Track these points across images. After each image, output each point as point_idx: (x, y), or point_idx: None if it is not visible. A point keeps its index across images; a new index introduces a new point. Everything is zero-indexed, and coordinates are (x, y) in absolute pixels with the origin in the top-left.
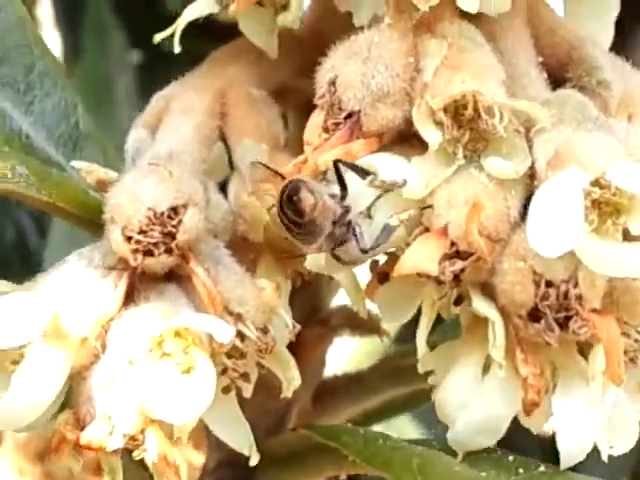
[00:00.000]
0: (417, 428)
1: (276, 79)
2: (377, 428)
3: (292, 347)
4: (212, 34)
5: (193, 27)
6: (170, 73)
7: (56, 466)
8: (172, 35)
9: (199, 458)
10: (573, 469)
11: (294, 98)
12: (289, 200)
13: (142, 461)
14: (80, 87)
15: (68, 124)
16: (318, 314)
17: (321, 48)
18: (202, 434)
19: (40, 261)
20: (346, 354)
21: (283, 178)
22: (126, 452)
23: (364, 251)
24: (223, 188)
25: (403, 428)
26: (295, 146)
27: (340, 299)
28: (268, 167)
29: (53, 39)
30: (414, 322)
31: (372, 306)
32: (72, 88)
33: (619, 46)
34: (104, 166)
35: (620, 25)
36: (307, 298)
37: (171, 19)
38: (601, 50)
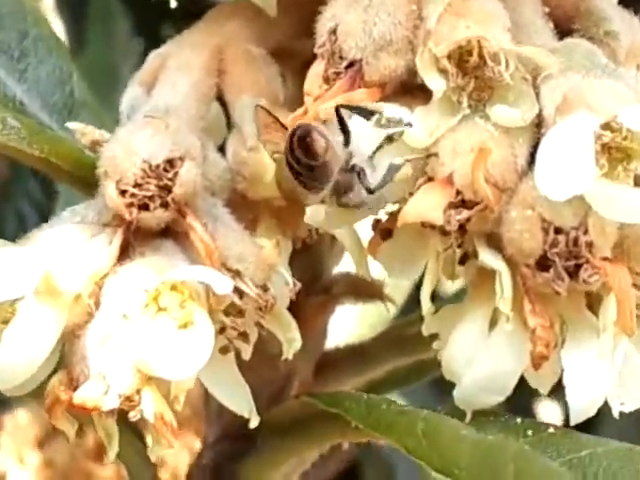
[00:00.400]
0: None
1: (275, 37)
2: None
3: (294, 315)
4: None
5: (193, 9)
6: None
7: (56, 452)
8: (176, 22)
9: (197, 444)
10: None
11: (293, 60)
12: (300, 142)
13: (135, 430)
14: (85, 75)
15: (63, 92)
16: (320, 282)
17: (321, 5)
18: (201, 411)
19: None
20: (349, 326)
21: (285, 129)
22: (120, 418)
23: (370, 191)
24: (221, 150)
25: None
26: (294, 108)
27: (342, 267)
28: (271, 114)
29: (56, 27)
30: (417, 292)
31: (376, 273)
32: (67, 56)
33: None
34: None
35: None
36: (308, 265)
37: (178, 7)
38: (609, 1)
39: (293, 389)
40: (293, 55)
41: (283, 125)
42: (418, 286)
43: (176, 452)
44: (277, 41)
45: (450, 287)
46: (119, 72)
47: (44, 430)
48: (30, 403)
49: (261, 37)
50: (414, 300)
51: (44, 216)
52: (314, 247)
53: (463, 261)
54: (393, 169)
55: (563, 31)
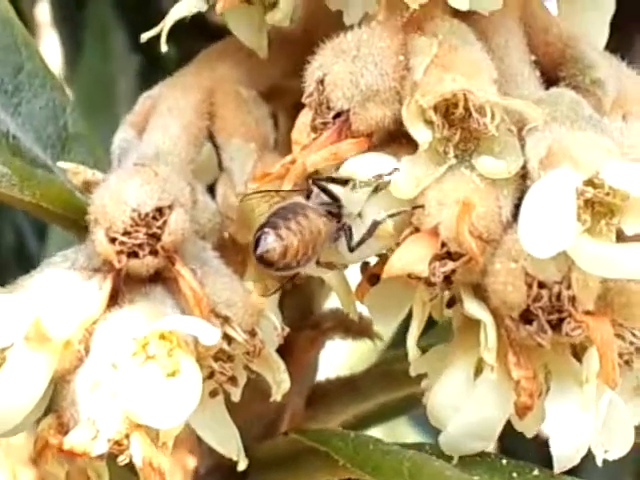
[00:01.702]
0: (418, 432)
1: (266, 79)
2: (376, 432)
3: (284, 351)
4: (213, 35)
5: (193, 28)
6: (172, 75)
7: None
8: (170, 36)
9: (192, 462)
10: (573, 471)
11: (285, 99)
12: (257, 256)
13: (131, 464)
14: (81, 88)
15: (56, 125)
16: (310, 317)
17: (312, 47)
18: (194, 439)
19: (40, 265)
20: (340, 358)
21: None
22: (112, 456)
23: (351, 249)
24: (212, 190)
25: (404, 432)
26: (285, 147)
27: (332, 302)
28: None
29: (52, 39)
30: (408, 326)
31: (365, 309)
32: (62, 89)
33: (615, 48)
34: (93, 168)
35: (616, 27)
36: (298, 301)
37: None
38: (595, 49)
39: (284, 422)
40: (285, 93)
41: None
42: (408, 318)
43: (170, 471)
44: (268, 81)
45: None
46: (116, 86)
47: None
48: None
49: (252, 78)
50: (405, 332)
51: (41, 231)
52: (303, 285)
53: (450, 304)
54: (374, 225)
55: (550, 78)
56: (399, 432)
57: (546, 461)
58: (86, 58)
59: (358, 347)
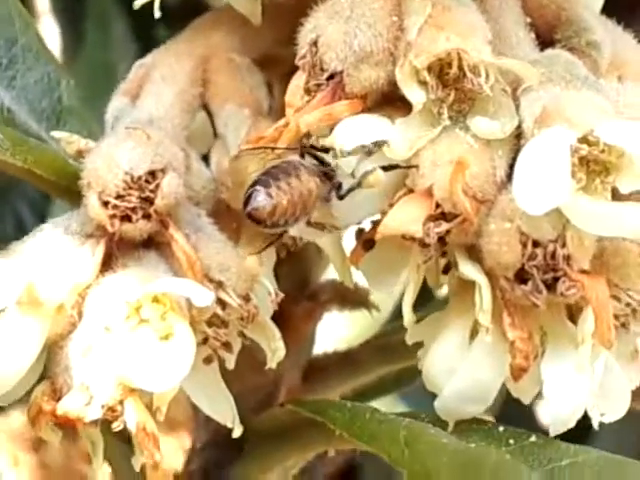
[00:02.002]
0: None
1: (260, 46)
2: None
3: (280, 322)
4: None
5: (192, 13)
6: None
7: (51, 454)
8: (169, 27)
9: (188, 442)
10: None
11: (279, 67)
12: (247, 212)
13: (123, 434)
14: (81, 77)
15: (51, 99)
16: (306, 289)
17: (306, 15)
18: (190, 413)
19: None
20: (338, 332)
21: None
22: (106, 424)
23: (340, 197)
24: (207, 160)
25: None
26: (281, 116)
27: (330, 274)
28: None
29: (52, 28)
30: None
31: (362, 281)
32: (56, 63)
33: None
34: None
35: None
36: (295, 272)
37: (174, 8)
38: (591, 11)
39: (281, 395)
40: (279, 62)
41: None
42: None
43: (171, 452)
44: (262, 49)
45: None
46: (116, 73)
47: None
48: (24, 405)
49: (246, 46)
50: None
51: (42, 217)
52: (300, 255)
53: (446, 270)
54: (365, 174)
55: (545, 41)
56: (388, 409)
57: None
58: (86, 47)
59: (356, 320)
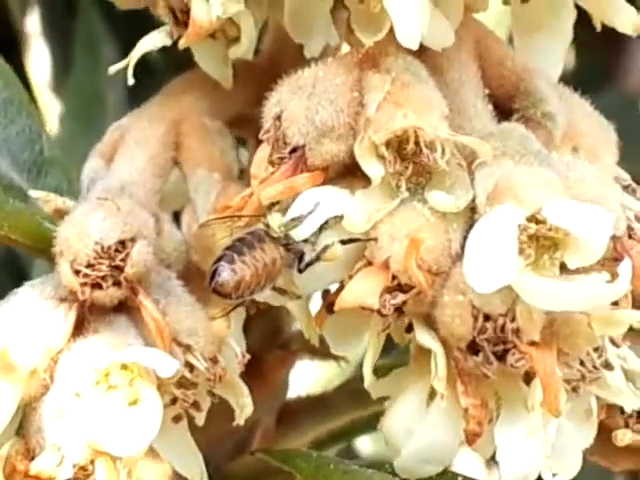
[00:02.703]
0: None
1: (232, 109)
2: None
3: (253, 370)
4: None
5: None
6: (161, 87)
7: None
8: (163, 48)
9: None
10: None
11: (253, 126)
12: (212, 288)
13: None
14: (70, 99)
15: (32, 150)
16: (279, 338)
17: (278, 76)
18: None
19: (30, 276)
20: (312, 376)
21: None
22: None
23: (300, 270)
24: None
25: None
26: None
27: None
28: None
29: (41, 50)
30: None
31: None
32: (37, 116)
33: (614, 54)
34: (68, 191)
35: (615, 34)
36: (267, 322)
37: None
38: (548, 82)
39: (256, 439)
40: (252, 121)
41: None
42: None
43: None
44: (234, 111)
45: None
46: (105, 98)
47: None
48: None
49: (218, 109)
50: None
51: None
52: (271, 308)
53: (409, 330)
54: (324, 249)
55: (504, 110)
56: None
57: None
58: (76, 69)
59: (329, 366)
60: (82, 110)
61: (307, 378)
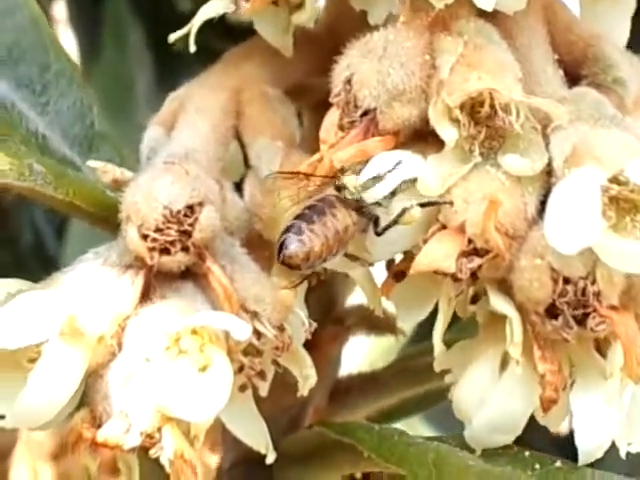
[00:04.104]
0: (431, 431)
1: (291, 78)
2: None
3: (307, 346)
4: (230, 31)
5: (210, 25)
6: (190, 72)
7: (71, 466)
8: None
9: (213, 459)
10: (591, 465)
11: (310, 97)
12: (280, 260)
13: (158, 461)
14: (99, 86)
15: (83, 124)
16: (333, 313)
17: (337, 47)
18: (218, 433)
19: (58, 264)
20: (362, 353)
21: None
22: (143, 451)
23: (378, 234)
24: (239, 187)
25: (418, 431)
26: (311, 144)
27: (356, 298)
28: (284, 172)
29: (68, 37)
30: (429, 321)
31: (388, 305)
32: (88, 88)
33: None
34: (119, 166)
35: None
36: (322, 297)
37: (189, 17)
38: (617, 48)
39: (308, 417)
40: (310, 92)
41: (300, 173)
42: (431, 313)
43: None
44: (294, 80)
45: None
46: (133, 82)
47: (59, 444)
48: None
49: (277, 77)
50: (426, 328)
51: (60, 230)
52: (328, 279)
53: (475, 301)
54: (402, 211)
55: (572, 77)
56: (413, 430)
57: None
58: (103, 55)
59: (380, 343)
60: (111, 96)
61: (358, 355)
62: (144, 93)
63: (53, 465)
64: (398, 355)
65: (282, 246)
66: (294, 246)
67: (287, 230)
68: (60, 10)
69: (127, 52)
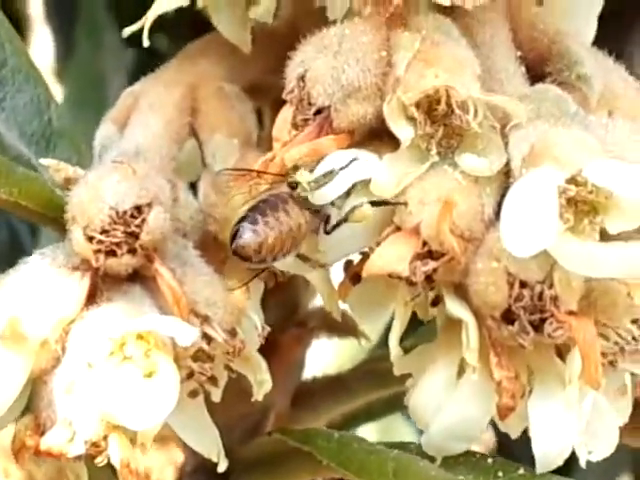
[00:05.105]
0: (413, 429)
1: (250, 74)
2: (370, 429)
3: (269, 349)
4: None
5: (185, 25)
6: None
7: (42, 468)
8: (162, 33)
9: (180, 457)
10: (566, 468)
11: (270, 95)
12: (233, 249)
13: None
14: (73, 84)
15: (41, 121)
16: (296, 315)
17: (296, 43)
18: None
19: None
20: (330, 356)
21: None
22: (91, 457)
23: (327, 232)
24: (195, 187)
25: (399, 429)
26: (269, 143)
27: (319, 301)
28: (235, 169)
29: (44, 34)
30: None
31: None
32: (45, 85)
33: (620, 40)
34: (77, 164)
35: (621, 19)
36: (284, 300)
37: (166, 15)
38: (582, 44)
39: (270, 421)
40: (270, 89)
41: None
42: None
43: (161, 467)
44: (252, 77)
45: None
46: (107, 81)
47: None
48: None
49: (235, 74)
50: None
51: (34, 224)
52: (289, 282)
53: (435, 303)
54: (352, 209)
55: (536, 74)
56: (394, 429)
57: None
58: (78, 53)
59: (346, 345)
60: (84, 95)
61: (321, 359)
62: (117, 91)
63: (24, 468)
64: (364, 359)
65: (236, 235)
66: (248, 235)
67: (241, 220)
68: (36, 6)
69: (101, 50)
